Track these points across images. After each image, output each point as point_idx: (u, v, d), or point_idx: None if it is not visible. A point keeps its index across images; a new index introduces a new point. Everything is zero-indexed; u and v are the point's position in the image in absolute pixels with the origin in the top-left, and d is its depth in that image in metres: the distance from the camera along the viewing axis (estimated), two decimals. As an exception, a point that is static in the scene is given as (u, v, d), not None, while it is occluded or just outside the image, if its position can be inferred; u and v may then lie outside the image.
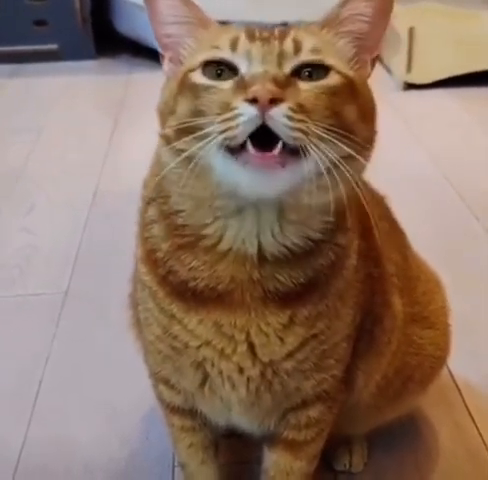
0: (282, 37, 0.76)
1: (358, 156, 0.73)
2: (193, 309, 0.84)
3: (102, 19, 3.29)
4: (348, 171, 0.72)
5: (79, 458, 1.24)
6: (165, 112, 0.79)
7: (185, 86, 0.77)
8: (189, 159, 0.73)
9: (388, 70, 2.99)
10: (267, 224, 0.78)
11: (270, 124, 0.68)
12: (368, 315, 0.93)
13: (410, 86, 2.83)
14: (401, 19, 2.76)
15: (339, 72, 0.75)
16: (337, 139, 0.71)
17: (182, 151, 0.73)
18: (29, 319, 1.60)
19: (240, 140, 0.70)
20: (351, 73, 0.77)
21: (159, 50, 0.84)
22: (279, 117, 0.68)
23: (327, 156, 0.70)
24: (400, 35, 2.76)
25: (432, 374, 1.12)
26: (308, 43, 0.75)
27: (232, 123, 0.69)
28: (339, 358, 0.90)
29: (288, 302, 0.82)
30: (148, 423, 1.30)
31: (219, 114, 0.71)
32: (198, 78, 0.76)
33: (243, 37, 0.76)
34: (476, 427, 1.26)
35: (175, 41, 0.82)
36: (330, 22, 0.80)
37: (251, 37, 0.75)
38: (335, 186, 0.73)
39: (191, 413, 0.99)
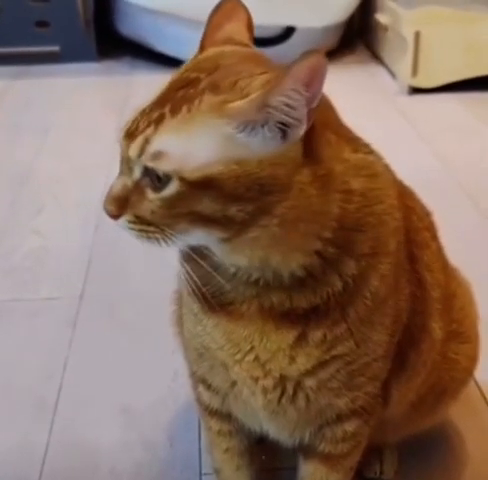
0: (139, 133, 0.72)
1: (243, 235, 0.73)
2: (208, 312, 0.85)
3: (104, 21, 3.27)
4: (239, 245, 0.75)
5: (103, 462, 1.22)
6: None
7: None
8: None
9: (392, 74, 3.00)
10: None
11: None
12: (405, 333, 0.92)
13: (415, 90, 2.83)
14: (407, 23, 2.77)
15: (182, 178, 0.70)
16: (199, 233, 0.73)
17: None
18: (45, 323, 1.58)
19: None
20: (203, 172, 0.70)
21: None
22: (123, 227, 0.76)
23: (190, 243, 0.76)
24: (406, 39, 2.76)
25: (464, 385, 1.12)
26: (154, 145, 0.71)
27: None
28: (373, 376, 0.89)
29: (292, 322, 0.81)
30: (171, 429, 1.29)
31: None
32: None
33: (125, 127, 0.75)
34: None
35: None
36: (248, 108, 0.70)
37: (126, 129, 0.75)
38: (236, 253, 0.76)
39: (228, 417, 0.99)
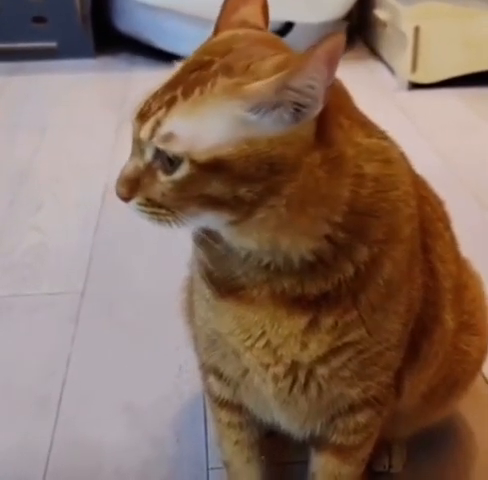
0: (151, 115, 0.72)
1: (252, 217, 0.73)
2: (220, 297, 0.84)
3: (101, 17, 3.26)
4: (249, 226, 0.74)
5: (109, 460, 1.21)
6: None
7: None
8: None
9: (391, 70, 2.99)
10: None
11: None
12: (417, 323, 0.91)
13: (415, 86, 2.82)
14: (406, 19, 2.76)
15: (192, 160, 0.70)
16: (208, 216, 0.73)
17: None
18: (46, 319, 1.57)
19: None
20: (213, 154, 0.69)
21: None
22: (134, 209, 0.75)
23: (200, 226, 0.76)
24: (405, 35, 2.75)
25: (474, 377, 1.12)
26: (165, 127, 0.71)
27: None
28: (386, 366, 0.88)
29: (304, 307, 0.80)
30: (177, 425, 1.28)
31: None
32: None
33: (136, 109, 0.75)
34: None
35: None
36: (261, 94, 0.69)
37: (138, 111, 0.74)
38: (244, 235, 0.76)
39: (238, 408, 0.98)
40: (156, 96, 0.73)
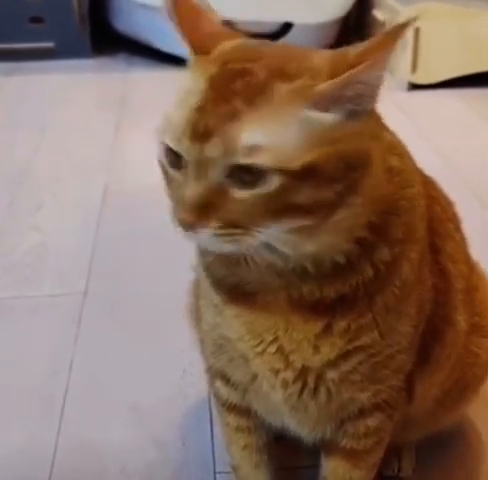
0: (216, 132, 0.67)
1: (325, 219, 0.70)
2: (229, 303, 0.82)
3: (99, 17, 3.25)
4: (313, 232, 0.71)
5: (113, 462, 1.20)
6: None
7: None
8: None
9: (390, 70, 2.99)
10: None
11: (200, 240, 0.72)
12: (428, 325, 0.90)
13: (414, 86, 2.82)
14: (406, 19, 2.74)
15: (283, 170, 0.66)
16: (284, 225, 0.70)
17: None
18: (49, 321, 1.55)
19: None
20: (304, 160, 0.67)
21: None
22: (203, 238, 0.70)
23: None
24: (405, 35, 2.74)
25: (484, 379, 1.10)
26: (243, 140, 0.66)
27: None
28: (396, 369, 0.87)
29: (320, 312, 0.79)
30: (182, 428, 1.27)
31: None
32: (162, 157, 0.73)
33: (188, 129, 0.68)
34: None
35: None
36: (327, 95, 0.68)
37: (194, 130, 0.68)
38: (311, 240, 0.72)
39: (247, 412, 0.97)
40: (205, 112, 0.68)
